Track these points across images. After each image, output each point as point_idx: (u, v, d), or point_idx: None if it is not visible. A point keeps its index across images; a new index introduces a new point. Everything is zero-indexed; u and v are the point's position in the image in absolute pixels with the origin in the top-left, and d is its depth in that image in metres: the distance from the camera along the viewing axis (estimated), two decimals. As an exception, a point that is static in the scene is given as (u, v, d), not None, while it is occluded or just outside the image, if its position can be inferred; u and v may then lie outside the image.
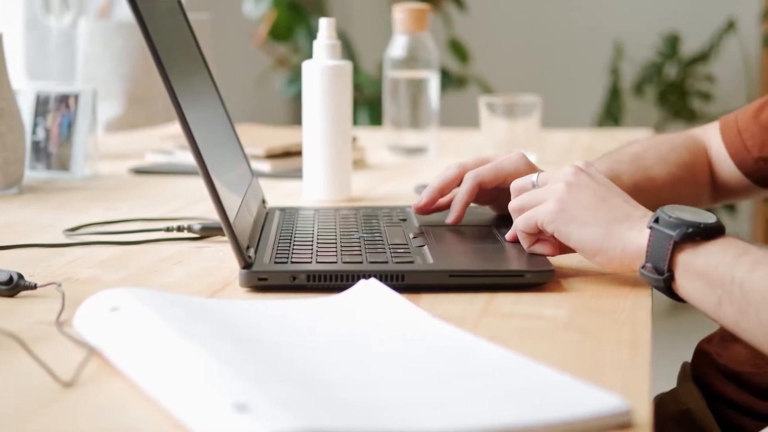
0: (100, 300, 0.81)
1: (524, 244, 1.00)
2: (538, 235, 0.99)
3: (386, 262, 0.96)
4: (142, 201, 1.43)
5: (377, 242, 1.04)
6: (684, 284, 0.86)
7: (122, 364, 0.72)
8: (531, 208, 0.97)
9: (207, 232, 1.17)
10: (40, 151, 1.60)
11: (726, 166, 1.28)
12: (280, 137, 1.75)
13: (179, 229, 1.17)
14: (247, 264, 0.94)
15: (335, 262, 0.97)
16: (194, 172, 0.99)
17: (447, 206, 1.13)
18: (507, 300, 0.91)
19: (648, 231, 0.88)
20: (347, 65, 1.40)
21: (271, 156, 1.64)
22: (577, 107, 4.22)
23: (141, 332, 0.74)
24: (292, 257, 0.98)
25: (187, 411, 0.63)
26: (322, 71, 1.38)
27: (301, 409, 0.61)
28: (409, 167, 1.74)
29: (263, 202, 1.26)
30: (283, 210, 1.24)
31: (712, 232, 0.86)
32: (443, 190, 1.11)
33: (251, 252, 0.97)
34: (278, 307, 0.86)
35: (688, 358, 1.17)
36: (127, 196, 1.48)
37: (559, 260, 1.02)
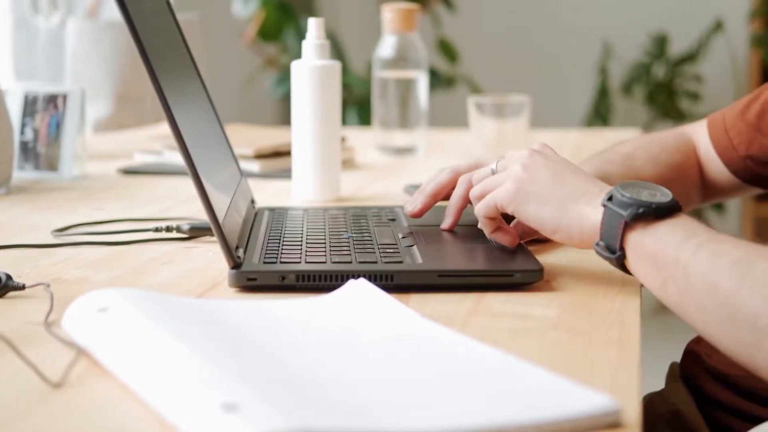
0: (88, 300, 0.80)
1: (486, 230, 1.01)
2: (499, 222, 1.00)
3: (375, 262, 0.96)
4: (130, 201, 1.43)
5: (366, 242, 1.04)
6: (634, 263, 0.88)
7: (111, 365, 0.72)
8: (489, 191, 0.98)
9: (196, 232, 1.16)
10: (28, 151, 1.60)
11: (714, 165, 1.28)
12: (269, 137, 1.75)
13: (168, 229, 1.17)
14: (236, 264, 0.94)
15: (324, 262, 0.97)
16: (183, 172, 0.99)
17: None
18: (496, 300, 0.91)
19: (602, 209, 0.89)
20: (336, 65, 1.40)
21: (260, 156, 1.64)
22: (566, 107, 4.23)
23: (130, 333, 0.74)
24: (281, 257, 0.98)
25: (176, 411, 0.63)
26: (311, 71, 1.38)
27: (290, 409, 0.61)
28: (398, 167, 1.74)
29: (252, 202, 1.26)
30: (272, 210, 1.24)
31: (664, 212, 0.86)
32: (437, 195, 1.12)
33: (240, 252, 0.97)
34: (267, 307, 0.86)
35: (677, 358, 1.18)
36: (115, 196, 1.48)
37: (548, 260, 1.03)
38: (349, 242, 1.04)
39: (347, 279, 0.92)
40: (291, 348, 0.75)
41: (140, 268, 1.05)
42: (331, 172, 1.41)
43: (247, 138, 1.72)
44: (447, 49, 3.73)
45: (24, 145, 1.59)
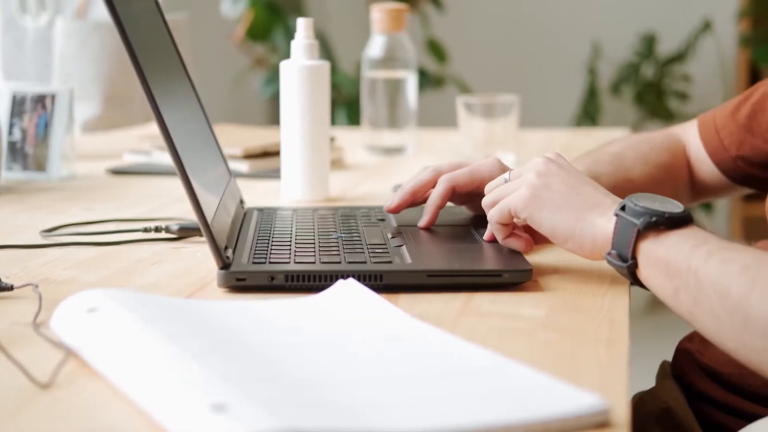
0: (77, 301, 0.80)
1: (499, 236, 1.01)
2: (512, 228, 1.00)
3: (364, 262, 0.96)
4: (119, 201, 1.43)
5: (355, 242, 1.04)
6: (646, 272, 0.88)
7: (100, 366, 0.72)
8: (501, 194, 0.99)
9: (185, 232, 1.16)
10: (16, 151, 1.59)
11: (704, 165, 1.28)
12: (258, 137, 1.75)
13: (157, 229, 1.16)
14: (225, 264, 0.94)
15: (313, 263, 0.97)
16: (172, 172, 0.98)
17: (421, 203, 1.13)
18: (485, 299, 0.91)
19: (615, 218, 0.90)
20: (325, 65, 1.40)
21: (249, 156, 1.64)
22: (555, 107, 4.23)
23: (118, 333, 0.74)
24: (270, 257, 0.98)
25: (164, 412, 0.63)
26: (300, 71, 1.38)
27: (279, 409, 0.61)
28: (387, 167, 1.74)
29: (241, 202, 1.26)
30: (261, 210, 1.24)
31: (677, 222, 0.87)
32: (416, 193, 1.12)
33: (229, 252, 0.97)
34: (256, 308, 0.86)
35: (667, 357, 1.18)
36: (104, 196, 1.48)
37: (537, 259, 1.03)
38: (338, 242, 1.04)
39: (336, 279, 0.92)
40: (280, 348, 0.75)
41: (129, 269, 1.04)
42: (320, 172, 1.40)
43: (236, 138, 1.72)
44: (436, 49, 3.73)
45: (12, 146, 1.59)
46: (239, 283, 0.94)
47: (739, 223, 4.10)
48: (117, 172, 1.67)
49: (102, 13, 2.22)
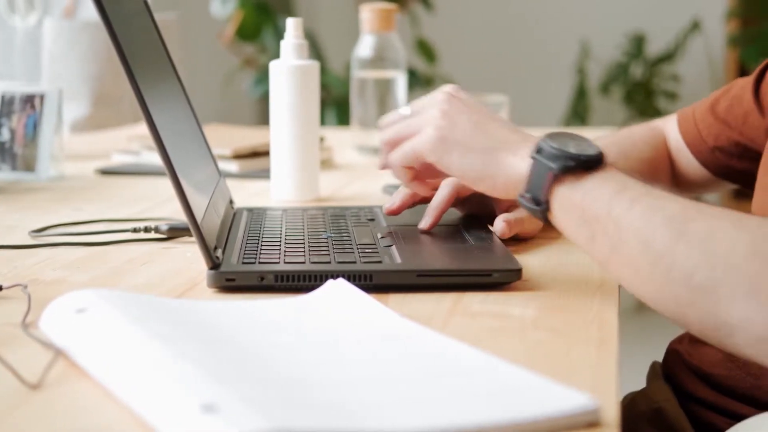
0: (66, 301, 0.80)
1: (403, 178, 0.99)
2: (416, 171, 0.99)
3: (354, 262, 0.96)
4: (108, 202, 1.43)
5: (345, 242, 1.04)
6: (560, 216, 0.87)
7: (89, 366, 0.72)
8: (406, 139, 0.97)
9: (174, 232, 1.16)
10: (5, 151, 1.59)
11: (684, 157, 1.29)
12: (248, 137, 1.75)
13: (146, 229, 1.16)
14: (214, 264, 0.94)
15: (303, 263, 0.97)
16: (161, 172, 0.98)
17: (419, 203, 1.13)
18: (475, 299, 0.91)
19: (530, 160, 0.89)
20: (314, 65, 1.40)
21: (239, 156, 1.64)
22: (544, 106, 4.24)
23: (108, 334, 0.74)
24: (260, 257, 0.98)
25: (155, 412, 0.63)
26: (290, 71, 1.38)
27: (269, 410, 0.61)
28: (377, 167, 1.74)
29: (231, 202, 1.26)
30: (250, 210, 1.24)
31: (594, 163, 0.86)
32: (416, 195, 1.11)
33: (219, 252, 0.97)
34: (246, 308, 0.86)
35: (657, 357, 1.18)
36: (93, 196, 1.48)
37: (526, 259, 1.03)
38: (328, 242, 1.04)
39: (326, 279, 0.92)
40: (270, 348, 0.75)
41: (119, 269, 1.04)
42: (310, 173, 1.40)
43: (225, 138, 1.72)
44: (425, 49, 3.73)
45: (1, 146, 1.59)
46: (229, 283, 0.94)
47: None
48: (106, 172, 1.66)
49: (91, 12, 2.21)
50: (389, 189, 1.43)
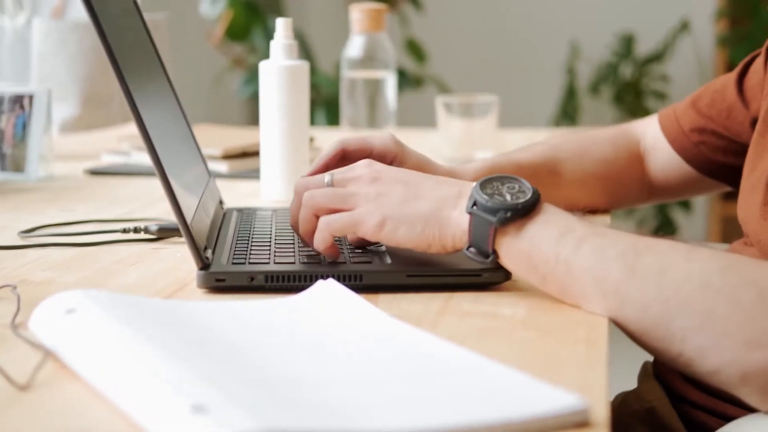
0: (55, 302, 0.80)
1: (320, 247, 0.95)
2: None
3: (344, 263, 0.96)
4: (98, 202, 1.42)
5: (335, 242, 1.04)
6: (508, 263, 0.89)
7: (79, 367, 0.72)
8: (335, 208, 0.95)
9: (164, 233, 1.16)
10: (-6, 152, 1.58)
11: (664, 154, 1.29)
12: (237, 137, 1.74)
13: (136, 230, 1.16)
14: (204, 265, 0.94)
15: (293, 263, 0.97)
16: (151, 173, 0.98)
17: None
18: (465, 299, 0.91)
19: (467, 216, 0.89)
20: (304, 65, 1.40)
21: (228, 156, 1.64)
22: (534, 107, 4.24)
23: (98, 334, 0.73)
24: (249, 258, 0.98)
25: (144, 413, 0.63)
26: (279, 71, 1.38)
27: (260, 410, 0.61)
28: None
29: (220, 202, 1.26)
30: (240, 210, 1.24)
31: (531, 208, 0.87)
32: (328, 166, 1.11)
33: (209, 253, 0.97)
34: (236, 308, 0.86)
35: (648, 358, 1.18)
36: (83, 197, 1.47)
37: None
38: (317, 242, 1.04)
39: (316, 279, 0.92)
40: (260, 348, 0.75)
41: (108, 270, 1.04)
42: (300, 173, 1.40)
43: (215, 138, 1.72)
44: (415, 49, 3.73)
45: (-10, 146, 1.58)
46: (219, 283, 0.94)
47: (717, 223, 4.11)
48: (96, 172, 1.66)
49: (80, 12, 2.21)
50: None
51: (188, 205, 0.97)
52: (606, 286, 0.82)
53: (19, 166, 1.58)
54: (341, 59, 1.87)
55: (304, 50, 3.46)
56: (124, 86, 0.91)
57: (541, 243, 0.86)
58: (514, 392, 0.66)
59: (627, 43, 4.17)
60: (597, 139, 1.32)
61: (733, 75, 1.23)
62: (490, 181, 0.90)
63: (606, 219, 1.27)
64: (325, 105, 3.49)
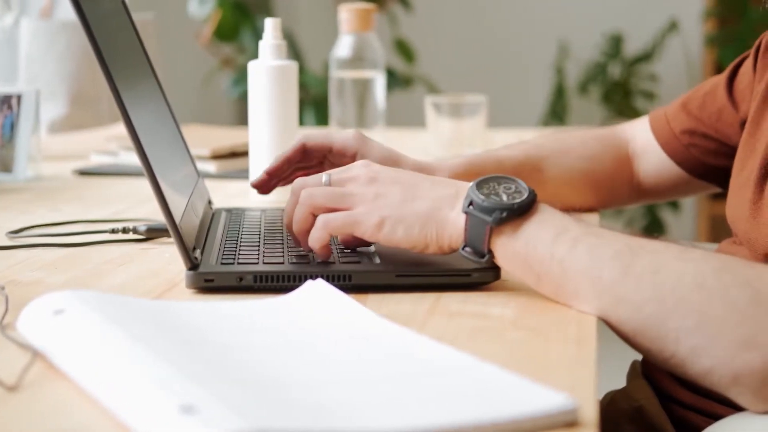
0: (44, 303, 0.80)
1: (316, 245, 0.95)
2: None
3: (333, 263, 0.96)
4: (86, 202, 1.42)
5: (324, 242, 1.04)
6: (504, 263, 0.90)
7: (67, 367, 0.72)
8: (333, 207, 0.95)
9: (153, 233, 1.16)
10: (-18, 152, 1.58)
11: (655, 157, 1.29)
12: (226, 138, 1.74)
13: (124, 230, 1.16)
14: (193, 265, 0.94)
15: (282, 263, 0.97)
16: (139, 173, 0.98)
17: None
18: (454, 299, 0.91)
19: (464, 215, 0.90)
20: (293, 65, 1.40)
21: (217, 156, 1.63)
22: (523, 107, 4.25)
23: (86, 335, 0.73)
24: (238, 258, 0.98)
25: (133, 414, 0.63)
26: (268, 71, 1.38)
27: (249, 410, 0.61)
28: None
29: (209, 203, 1.26)
30: (229, 211, 1.23)
31: (527, 208, 0.88)
32: (290, 161, 1.11)
33: (197, 253, 0.97)
34: (225, 308, 0.86)
35: (638, 357, 1.18)
36: (71, 197, 1.47)
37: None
38: (306, 242, 1.04)
39: (305, 279, 0.92)
40: (249, 349, 0.75)
41: (97, 270, 1.04)
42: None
43: (203, 138, 1.72)
44: (404, 49, 3.73)
45: (-22, 147, 1.58)
46: (208, 284, 0.94)
47: (705, 222, 4.12)
48: (84, 172, 1.66)
49: (68, 12, 2.21)
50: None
51: (177, 205, 0.97)
52: (601, 285, 0.82)
53: (7, 167, 1.58)
54: (330, 59, 1.87)
55: (293, 50, 3.46)
56: (113, 86, 0.91)
57: (537, 243, 0.86)
58: (503, 392, 0.66)
59: (615, 42, 4.17)
60: (583, 137, 1.32)
61: (722, 77, 1.24)
62: (486, 181, 0.91)
63: (595, 218, 1.27)
64: (313, 105, 3.48)
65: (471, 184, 0.91)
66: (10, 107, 1.59)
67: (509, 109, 3.85)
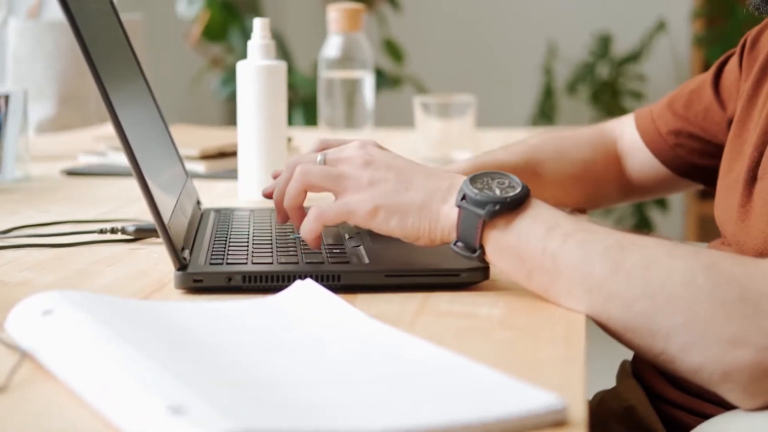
0: (32, 303, 0.80)
1: (309, 234, 0.95)
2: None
3: (322, 263, 0.96)
4: (74, 203, 1.42)
5: (313, 242, 1.04)
6: (495, 258, 0.90)
7: (56, 368, 0.71)
8: (326, 186, 0.95)
9: (141, 233, 1.16)
10: (-30, 152, 1.58)
11: (641, 155, 1.29)
12: (215, 138, 1.74)
13: (113, 230, 1.16)
14: (182, 265, 0.94)
15: (271, 263, 0.97)
16: (128, 173, 0.98)
17: None
18: (442, 299, 0.92)
19: (457, 209, 0.90)
20: (282, 65, 1.40)
21: (206, 157, 1.63)
22: (512, 107, 4.25)
23: (74, 335, 0.73)
24: (227, 258, 0.98)
25: (121, 414, 0.63)
26: (257, 71, 1.38)
27: (237, 411, 0.61)
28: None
29: (198, 203, 1.26)
30: (218, 211, 1.23)
31: (520, 202, 0.88)
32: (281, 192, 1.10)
33: (186, 253, 0.97)
34: (214, 308, 0.85)
35: (628, 356, 1.18)
36: (59, 198, 1.47)
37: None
38: (295, 243, 1.04)
39: (294, 279, 0.92)
40: (238, 349, 0.75)
41: (85, 271, 1.04)
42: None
43: (192, 138, 1.71)
44: (393, 49, 3.73)
45: (-35, 147, 1.58)
46: (196, 284, 0.93)
47: (694, 221, 4.13)
48: (72, 173, 1.66)
49: (56, 12, 2.20)
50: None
51: (165, 205, 0.97)
52: (591, 281, 0.82)
53: (-5, 167, 1.57)
54: (319, 59, 1.87)
55: (282, 50, 3.46)
56: (101, 86, 0.91)
57: (530, 237, 0.86)
58: (492, 392, 0.66)
59: (604, 42, 4.18)
60: (576, 140, 1.32)
61: (708, 75, 1.24)
62: (480, 176, 0.91)
63: (584, 218, 1.27)
64: (302, 105, 3.48)
65: (465, 178, 0.91)
66: (-3, 107, 1.58)
67: (498, 110, 3.85)
